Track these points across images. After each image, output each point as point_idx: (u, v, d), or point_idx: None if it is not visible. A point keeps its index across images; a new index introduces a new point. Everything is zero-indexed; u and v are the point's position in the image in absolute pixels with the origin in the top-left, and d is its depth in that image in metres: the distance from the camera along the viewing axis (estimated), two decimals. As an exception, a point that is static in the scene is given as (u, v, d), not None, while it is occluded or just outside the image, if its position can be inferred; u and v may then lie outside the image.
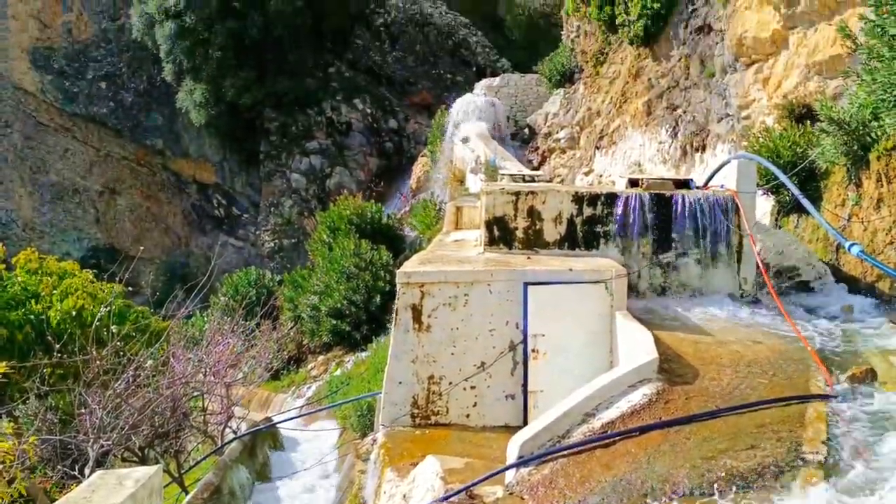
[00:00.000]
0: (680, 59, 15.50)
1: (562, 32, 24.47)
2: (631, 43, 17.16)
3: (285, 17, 31.31)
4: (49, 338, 9.44)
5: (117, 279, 11.70)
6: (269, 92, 31.74)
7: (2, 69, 39.97)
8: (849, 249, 7.06)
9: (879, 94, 8.04)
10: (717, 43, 14.07)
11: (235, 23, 31.09)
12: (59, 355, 8.97)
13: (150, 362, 8.85)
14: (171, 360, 9.52)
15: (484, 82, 26.66)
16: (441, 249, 8.97)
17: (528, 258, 7.86)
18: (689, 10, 15.09)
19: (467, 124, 22.85)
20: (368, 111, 33.22)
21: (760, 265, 7.98)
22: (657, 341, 6.21)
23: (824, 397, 5.29)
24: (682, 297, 8.15)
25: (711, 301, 8.06)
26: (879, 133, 8.18)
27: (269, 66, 32.21)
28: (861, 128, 8.33)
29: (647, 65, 16.96)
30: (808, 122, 10.45)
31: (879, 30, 7.98)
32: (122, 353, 8.76)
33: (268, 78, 32.01)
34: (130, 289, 12.78)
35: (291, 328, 17.57)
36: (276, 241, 31.79)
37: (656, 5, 15.68)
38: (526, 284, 7.12)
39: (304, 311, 17.62)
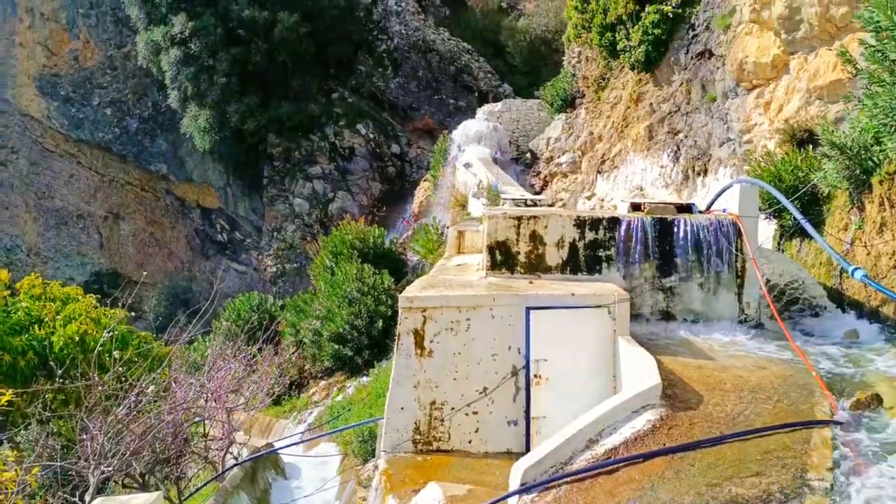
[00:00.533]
0: (681, 84, 15.58)
1: (563, 58, 24.64)
2: (632, 68, 17.26)
3: (289, 44, 31.63)
4: (52, 363, 9.43)
5: (120, 304, 11.71)
6: (273, 117, 31.97)
7: (9, 96, 40.36)
8: (852, 274, 7.03)
9: (881, 119, 8.06)
10: (718, 68, 14.14)
11: (240, 50, 31.42)
12: (62, 381, 8.95)
13: (151, 388, 8.82)
14: (173, 385, 9.48)
15: (486, 107, 26.82)
16: (443, 274, 8.96)
17: (531, 282, 7.85)
18: (690, 35, 15.20)
19: (469, 149, 22.96)
20: (371, 136, 33.41)
21: (764, 289, 7.96)
22: (660, 366, 6.18)
23: (829, 423, 5.25)
24: (686, 322, 8.13)
25: (715, 325, 8.04)
26: (881, 157, 8.19)
27: (273, 92, 32.48)
28: (863, 152, 8.33)
29: (648, 90, 17.05)
30: (810, 146, 10.46)
31: (880, 55, 8.01)
32: (124, 379, 8.73)
33: (271, 103, 32.26)
34: (133, 314, 12.80)
35: (293, 353, 17.54)
36: (279, 265, 31.84)
37: (657, 31, 15.79)
38: (528, 309, 7.10)
39: (306, 335, 17.58)
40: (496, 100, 30.76)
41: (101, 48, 39.28)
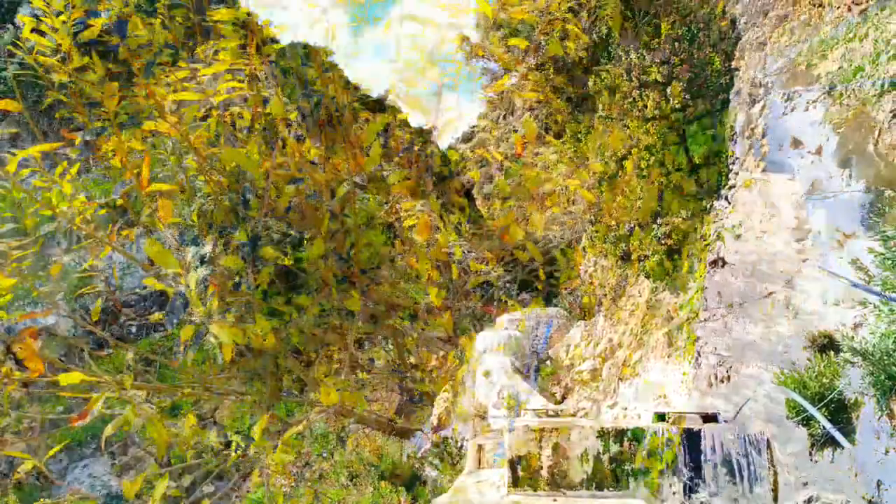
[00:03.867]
0: (697, 291, 15.75)
1: (580, 268, 25.22)
2: (647, 276, 17.57)
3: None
4: None
5: None
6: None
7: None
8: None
9: (899, 324, 8.04)
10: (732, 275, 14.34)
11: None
12: None
13: None
14: None
15: (506, 316, 27.07)
16: (463, 493, 8.63)
17: (555, 500, 7.51)
18: (703, 245, 15.58)
19: (489, 358, 22.91)
20: (391, 348, 33.58)
21: (801, 504, 7.55)
22: (697, 593, 5.74)
23: None
24: (721, 541, 7.66)
25: (753, 545, 7.57)
26: (905, 363, 8.07)
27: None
28: (885, 357, 8.23)
29: (664, 297, 17.23)
30: (832, 352, 10.34)
31: (890, 262, 8.14)
32: None
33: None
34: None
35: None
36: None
37: (669, 242, 16.23)
38: (553, 530, 6.75)
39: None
40: (515, 309, 31.18)
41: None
